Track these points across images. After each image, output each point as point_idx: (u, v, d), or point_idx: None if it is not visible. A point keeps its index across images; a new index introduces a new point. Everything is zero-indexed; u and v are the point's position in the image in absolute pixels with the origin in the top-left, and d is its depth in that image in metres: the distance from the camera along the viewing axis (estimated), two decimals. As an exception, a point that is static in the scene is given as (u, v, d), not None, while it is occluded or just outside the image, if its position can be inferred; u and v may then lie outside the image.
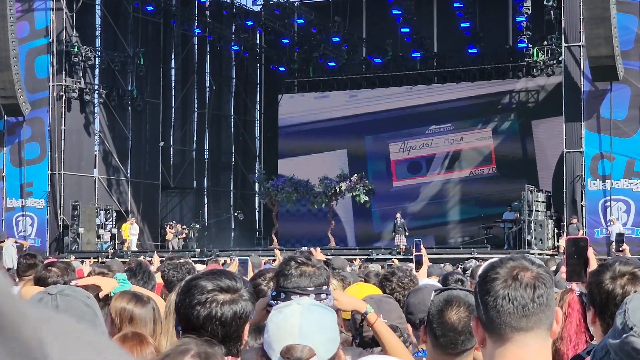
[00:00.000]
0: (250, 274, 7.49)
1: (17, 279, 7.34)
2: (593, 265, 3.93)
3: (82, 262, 18.00)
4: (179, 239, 38.32)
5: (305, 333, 3.02)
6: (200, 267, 13.61)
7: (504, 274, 2.55)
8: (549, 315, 2.54)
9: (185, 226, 39.75)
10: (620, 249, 10.59)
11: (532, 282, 2.53)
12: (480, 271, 2.72)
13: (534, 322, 2.50)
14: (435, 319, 3.53)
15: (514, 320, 2.49)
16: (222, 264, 13.38)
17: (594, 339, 3.56)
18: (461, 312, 3.49)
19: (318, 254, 7.26)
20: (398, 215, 36.14)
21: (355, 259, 23.80)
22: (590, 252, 4.03)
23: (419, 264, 9.66)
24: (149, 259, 21.77)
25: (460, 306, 3.52)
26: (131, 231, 36.90)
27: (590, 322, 3.46)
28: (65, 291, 2.96)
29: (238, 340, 3.11)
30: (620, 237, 12.79)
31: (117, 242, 37.63)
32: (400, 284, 5.90)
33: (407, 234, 35.18)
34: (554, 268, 9.94)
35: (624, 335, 2.37)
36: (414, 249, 10.62)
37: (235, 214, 43.97)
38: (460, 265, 17.53)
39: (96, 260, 21.80)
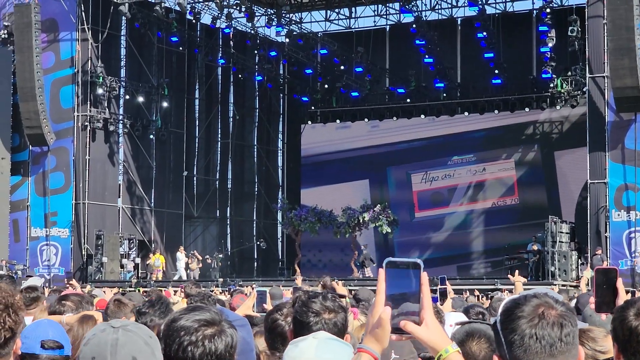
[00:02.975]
0: (269, 306, 7.44)
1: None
2: (622, 295, 3.89)
3: (104, 292, 18.01)
4: (198, 268, 38.36)
5: None
6: (224, 297, 13.61)
7: (529, 312, 2.51)
8: (574, 354, 2.51)
9: (207, 256, 39.74)
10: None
11: (558, 320, 2.50)
12: (501, 308, 2.67)
13: (560, 361, 2.46)
14: None
15: (541, 359, 2.45)
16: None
17: None
18: (482, 342, 3.50)
19: (340, 288, 7.20)
20: (364, 245, 36.55)
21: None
22: (620, 283, 4.01)
23: (443, 296, 9.74)
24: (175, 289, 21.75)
25: (481, 338, 3.52)
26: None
27: (615, 358, 3.42)
28: (129, 327, 2.93)
29: None
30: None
31: (140, 271, 37.72)
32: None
33: (374, 264, 35.66)
34: (563, 297, 9.81)
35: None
36: (439, 283, 10.67)
37: (258, 242, 43.95)
38: (483, 295, 17.40)
39: (117, 291, 21.78)
